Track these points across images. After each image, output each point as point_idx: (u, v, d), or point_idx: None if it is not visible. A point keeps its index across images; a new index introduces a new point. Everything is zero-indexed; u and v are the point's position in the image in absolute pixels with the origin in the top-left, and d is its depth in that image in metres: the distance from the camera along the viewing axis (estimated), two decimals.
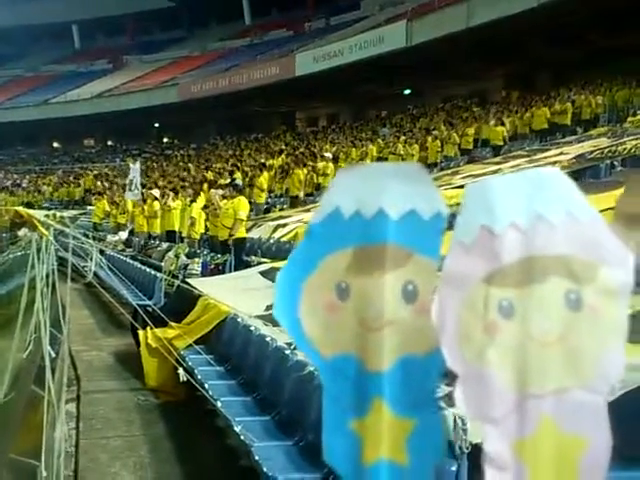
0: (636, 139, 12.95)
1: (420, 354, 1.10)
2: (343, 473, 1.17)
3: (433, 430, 1.12)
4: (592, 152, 12.75)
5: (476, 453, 2.68)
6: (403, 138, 21.16)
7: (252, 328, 5.73)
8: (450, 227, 1.14)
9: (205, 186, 16.63)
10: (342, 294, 1.14)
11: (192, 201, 13.65)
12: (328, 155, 18.58)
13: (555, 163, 11.95)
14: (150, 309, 7.34)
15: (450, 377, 1.04)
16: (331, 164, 17.54)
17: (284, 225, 12.32)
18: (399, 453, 1.12)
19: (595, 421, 0.98)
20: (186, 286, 7.44)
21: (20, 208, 20.62)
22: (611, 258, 0.98)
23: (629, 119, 17.44)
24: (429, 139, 19.41)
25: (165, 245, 12.84)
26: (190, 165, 28.79)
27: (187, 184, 17.07)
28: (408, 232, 1.10)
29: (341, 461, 1.16)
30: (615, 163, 11.20)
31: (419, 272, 1.10)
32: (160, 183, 20.21)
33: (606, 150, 12.50)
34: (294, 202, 16.78)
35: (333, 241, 1.14)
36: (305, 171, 17.95)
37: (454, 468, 2.89)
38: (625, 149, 12.06)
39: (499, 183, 1.04)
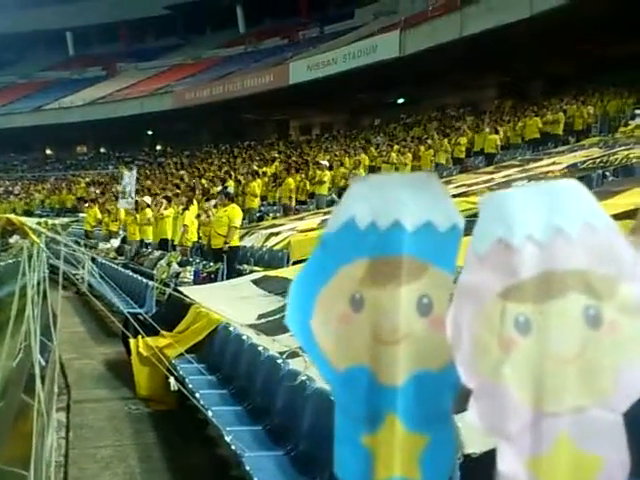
0: (628, 149, 13.03)
1: (434, 369, 1.08)
2: None
3: (446, 446, 1.11)
4: (584, 162, 12.82)
5: (469, 465, 2.67)
6: (396, 147, 21.18)
7: (244, 337, 5.71)
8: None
9: (198, 194, 16.59)
10: (356, 305, 1.13)
11: (185, 209, 13.63)
12: (324, 163, 18.21)
13: (547, 173, 12.00)
14: (141, 317, 7.31)
15: (464, 393, 1.02)
16: (328, 172, 17.40)
17: (277, 233, 12.31)
18: (412, 470, 1.11)
19: (612, 439, 0.97)
20: (178, 294, 7.41)
21: (12, 216, 20.50)
22: (631, 273, 0.97)
23: (621, 129, 17.55)
24: (422, 148, 19.43)
25: (157, 253, 12.81)
26: (184, 172, 28.73)
27: (180, 191, 17.03)
28: (424, 244, 1.09)
29: (352, 476, 1.15)
30: (607, 173, 11.25)
31: (435, 285, 1.09)
32: (152, 190, 20.15)
33: (598, 160, 12.57)
34: (286, 211, 16.78)
35: (348, 251, 1.13)
36: (298, 178, 17.91)
37: None
38: (617, 159, 12.14)
39: (516, 195, 1.03)
